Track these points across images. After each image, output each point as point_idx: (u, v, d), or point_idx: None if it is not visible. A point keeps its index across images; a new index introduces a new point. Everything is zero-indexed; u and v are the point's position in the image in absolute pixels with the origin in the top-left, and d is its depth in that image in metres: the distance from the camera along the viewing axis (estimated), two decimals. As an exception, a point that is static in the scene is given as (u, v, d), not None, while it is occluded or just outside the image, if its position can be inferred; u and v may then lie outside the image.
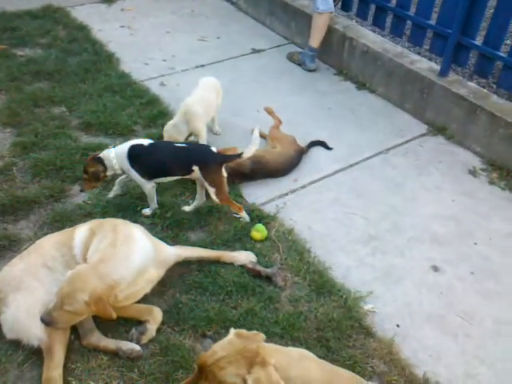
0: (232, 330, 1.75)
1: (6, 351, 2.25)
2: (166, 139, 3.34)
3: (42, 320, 2.08)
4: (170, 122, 3.38)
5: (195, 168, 2.75)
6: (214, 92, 3.53)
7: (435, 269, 2.81)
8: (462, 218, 3.14)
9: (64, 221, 2.86)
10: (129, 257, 2.22)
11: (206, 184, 2.80)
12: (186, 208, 3.00)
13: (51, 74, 4.18)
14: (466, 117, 3.70)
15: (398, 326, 2.49)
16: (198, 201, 3.02)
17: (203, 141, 3.44)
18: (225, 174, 2.82)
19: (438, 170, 3.53)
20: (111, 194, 3.05)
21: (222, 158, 2.83)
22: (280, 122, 3.67)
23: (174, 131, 3.34)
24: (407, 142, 3.80)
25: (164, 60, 4.71)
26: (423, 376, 2.25)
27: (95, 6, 5.61)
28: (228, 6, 5.92)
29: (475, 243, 2.97)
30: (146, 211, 2.97)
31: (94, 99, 3.93)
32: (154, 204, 2.97)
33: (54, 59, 4.39)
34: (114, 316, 2.12)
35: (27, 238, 2.76)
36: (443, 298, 2.65)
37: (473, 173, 3.51)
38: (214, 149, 2.82)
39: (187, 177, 2.85)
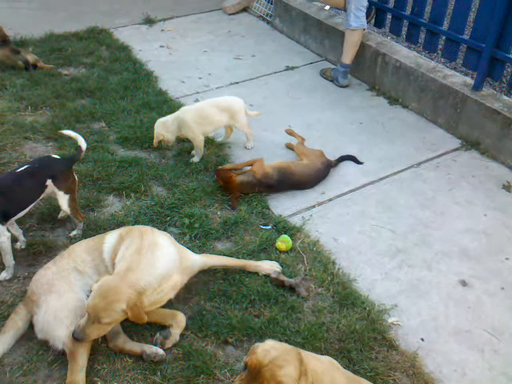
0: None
1: (37, 351, 2.36)
2: (155, 135, 3.53)
3: (75, 338, 2.14)
4: (161, 120, 3.55)
5: (49, 182, 2.70)
6: (217, 109, 3.58)
7: (463, 283, 2.75)
8: (494, 233, 3.06)
9: (98, 229, 2.99)
10: (154, 263, 2.30)
11: (61, 193, 2.77)
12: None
13: (93, 92, 4.41)
14: (500, 131, 3.62)
15: (422, 339, 2.45)
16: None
17: (199, 149, 3.59)
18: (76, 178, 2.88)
19: (470, 184, 3.46)
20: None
21: (69, 160, 2.86)
22: (303, 139, 3.74)
23: (162, 128, 3.51)
24: (439, 156, 3.76)
25: (200, 78, 4.87)
26: (447, 392, 2.20)
27: (137, 28, 5.89)
28: (264, 26, 6.07)
29: (507, 258, 2.89)
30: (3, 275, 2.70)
31: (131, 115, 4.11)
32: (11, 261, 2.69)
33: (96, 77, 4.63)
34: (146, 319, 2.20)
35: (62, 244, 2.90)
36: (471, 312, 2.59)
37: (507, 188, 3.42)
38: (55, 156, 2.86)
39: (41, 198, 2.78)
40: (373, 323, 2.49)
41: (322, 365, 1.72)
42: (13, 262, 2.69)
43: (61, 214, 3.07)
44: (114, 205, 3.25)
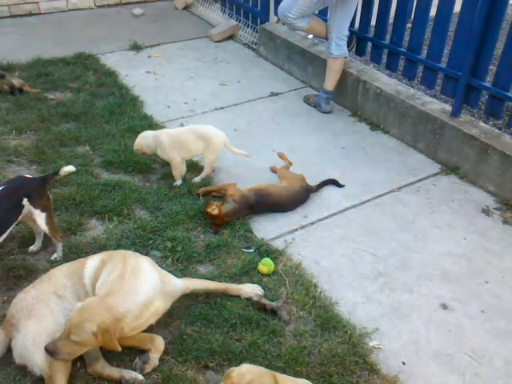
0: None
1: (14, 376, 2.31)
2: (135, 143, 3.66)
3: (46, 350, 2.12)
4: (144, 133, 3.69)
5: (25, 201, 2.67)
6: (195, 137, 3.61)
7: (444, 306, 2.77)
8: (474, 257, 3.10)
9: (79, 253, 2.97)
10: (136, 290, 2.28)
11: (37, 212, 2.74)
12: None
13: (78, 116, 4.42)
14: (477, 156, 3.71)
15: (403, 363, 2.45)
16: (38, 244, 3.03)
17: (176, 171, 3.64)
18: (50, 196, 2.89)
19: (450, 208, 3.52)
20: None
21: (43, 179, 2.89)
22: (290, 163, 3.82)
23: (142, 141, 3.64)
24: (420, 180, 3.83)
25: (185, 103, 4.92)
26: (428, 415, 2.20)
27: (124, 54, 5.96)
28: (249, 53, 6.19)
29: (486, 281, 2.92)
30: None
31: (116, 139, 4.13)
32: None
33: (82, 102, 4.66)
34: (119, 349, 2.16)
35: (43, 268, 2.87)
36: (452, 336, 2.60)
37: (486, 212, 3.48)
38: (28, 175, 2.90)
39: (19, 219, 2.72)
40: (354, 347, 2.49)
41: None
42: None
43: (32, 248, 3.02)
44: (96, 228, 3.23)
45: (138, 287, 2.29)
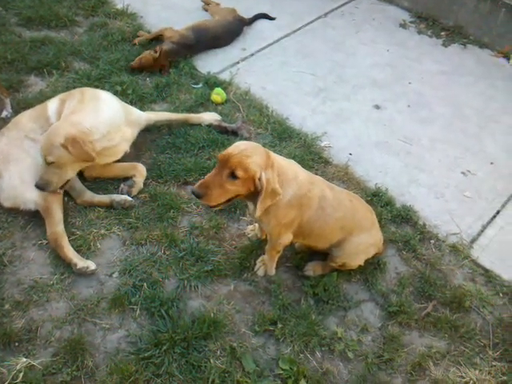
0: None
1: (6, 218, 2.44)
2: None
3: (37, 186, 2.26)
4: None
5: None
6: None
7: (377, 107, 3.19)
8: (397, 64, 3.50)
9: (30, 107, 2.91)
10: (97, 110, 2.40)
11: None
12: None
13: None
14: (393, -26, 3.95)
15: (350, 154, 2.89)
16: None
17: None
18: None
19: (372, 26, 3.82)
20: None
21: None
22: (217, 4, 3.82)
23: None
24: (342, 5, 4.04)
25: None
26: (375, 186, 2.68)
27: None
28: None
29: (410, 83, 3.37)
30: None
31: (26, -5, 3.81)
32: None
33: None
34: (95, 157, 2.27)
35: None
36: (386, 128, 3.06)
37: (403, 25, 3.84)
38: None
39: None
40: (309, 148, 2.87)
41: (287, 162, 2.02)
42: None
43: None
44: (37, 84, 3.16)
45: (98, 109, 2.41)
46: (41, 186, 2.26)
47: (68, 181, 2.36)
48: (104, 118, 2.39)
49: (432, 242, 2.42)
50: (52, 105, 2.52)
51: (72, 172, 2.34)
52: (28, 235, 2.40)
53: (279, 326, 2.04)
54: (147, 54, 3.27)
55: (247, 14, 3.78)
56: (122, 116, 2.54)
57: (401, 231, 2.45)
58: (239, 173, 1.80)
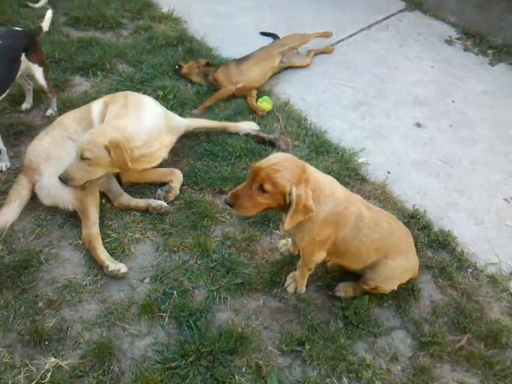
0: None
1: (45, 216, 2.49)
2: None
3: (60, 178, 2.27)
4: None
5: (23, 57, 2.62)
6: None
7: (418, 125, 3.13)
8: (441, 82, 3.42)
9: (73, 107, 2.98)
10: (140, 117, 2.44)
11: (35, 66, 2.72)
12: None
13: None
14: (440, -11, 3.87)
15: (388, 172, 2.84)
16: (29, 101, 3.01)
17: None
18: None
19: (417, 41, 3.75)
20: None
21: (34, 32, 2.80)
22: None
23: None
24: (386, 18, 3.98)
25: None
26: (413, 207, 2.62)
27: None
28: None
29: (453, 101, 3.28)
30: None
31: (75, -5, 3.90)
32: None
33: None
34: (130, 166, 2.30)
35: (41, 124, 2.91)
36: (426, 147, 2.99)
37: (449, 42, 3.75)
38: (18, 28, 2.75)
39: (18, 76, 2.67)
40: (346, 164, 2.83)
41: (325, 178, 1.99)
42: (4, 149, 2.64)
43: (24, 106, 3.01)
44: (82, 84, 3.23)
45: (141, 114, 2.45)
46: (63, 179, 2.28)
47: (88, 181, 2.34)
48: (146, 126, 2.43)
49: (469, 270, 2.34)
50: (96, 107, 2.58)
51: (100, 174, 2.34)
52: (65, 234, 2.44)
53: (307, 347, 2.01)
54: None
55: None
56: (163, 123, 2.57)
57: (437, 257, 2.38)
58: (267, 187, 1.78)
